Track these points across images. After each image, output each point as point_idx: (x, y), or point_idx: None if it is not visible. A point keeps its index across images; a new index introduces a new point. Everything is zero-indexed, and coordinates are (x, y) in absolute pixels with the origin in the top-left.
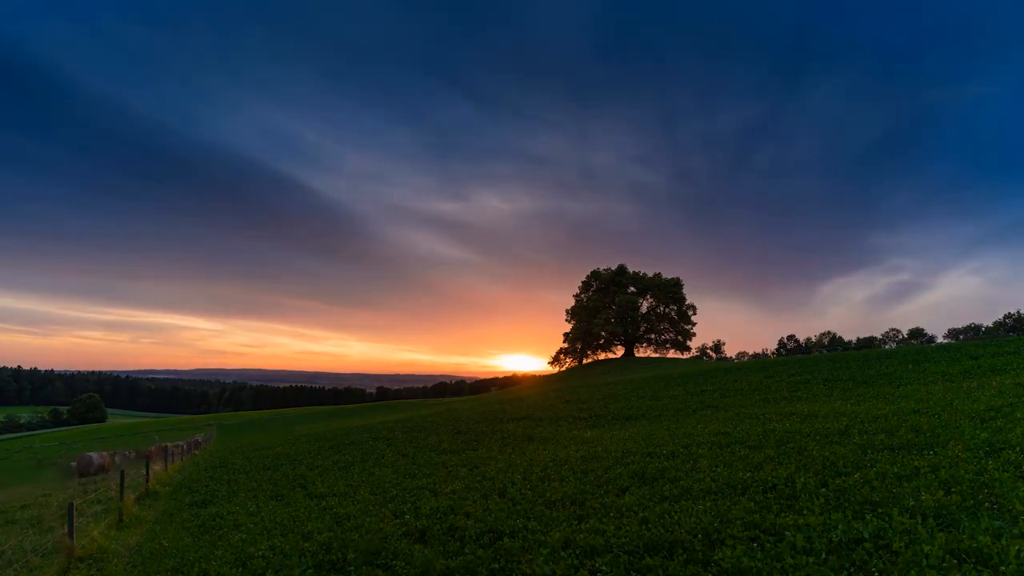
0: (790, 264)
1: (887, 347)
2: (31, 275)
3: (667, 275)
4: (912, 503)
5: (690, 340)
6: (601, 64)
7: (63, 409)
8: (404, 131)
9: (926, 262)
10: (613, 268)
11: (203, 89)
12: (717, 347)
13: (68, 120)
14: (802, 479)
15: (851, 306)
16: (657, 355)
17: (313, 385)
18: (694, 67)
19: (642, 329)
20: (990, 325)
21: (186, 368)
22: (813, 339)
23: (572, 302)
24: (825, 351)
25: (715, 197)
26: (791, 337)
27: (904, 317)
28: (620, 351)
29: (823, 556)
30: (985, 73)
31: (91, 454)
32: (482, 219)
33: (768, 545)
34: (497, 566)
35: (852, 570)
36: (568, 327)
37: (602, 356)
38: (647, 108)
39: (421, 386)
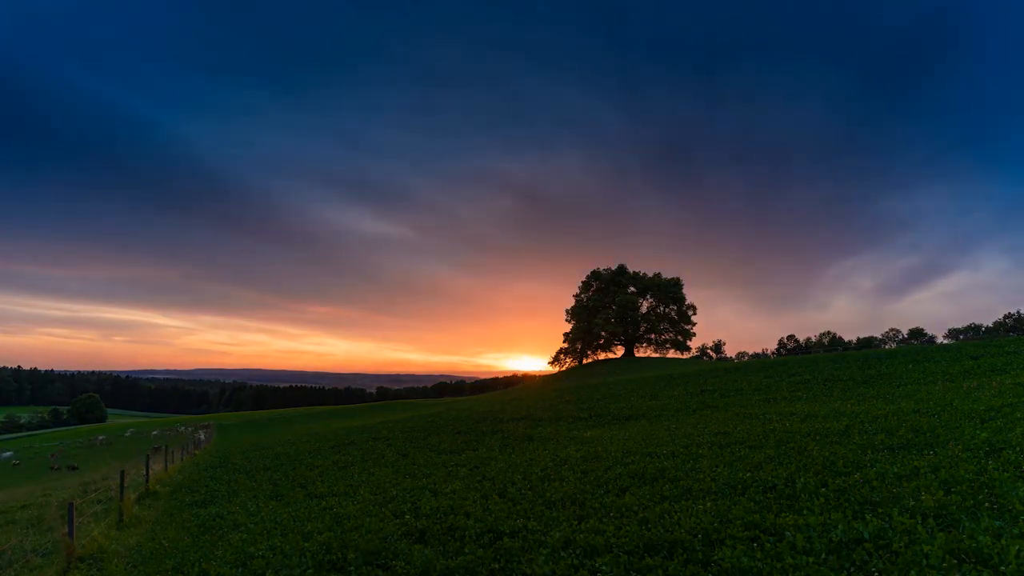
0: (786, 242)
1: (887, 347)
2: None
3: (642, 255)
4: (912, 503)
5: (690, 340)
6: None
7: (63, 409)
8: (242, 39)
9: (947, 237)
10: (613, 268)
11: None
12: (717, 347)
13: None
14: (802, 479)
15: (858, 295)
16: (657, 355)
17: (313, 385)
18: None
19: (642, 329)
20: (990, 325)
21: (186, 368)
22: (813, 339)
23: (543, 293)
24: (825, 351)
25: (686, 142)
26: (791, 337)
27: (919, 308)
28: (620, 351)
29: (823, 556)
30: None
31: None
32: (402, 185)
33: (768, 545)
34: (497, 566)
35: (852, 570)
36: (568, 327)
37: (602, 356)
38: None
39: (421, 386)
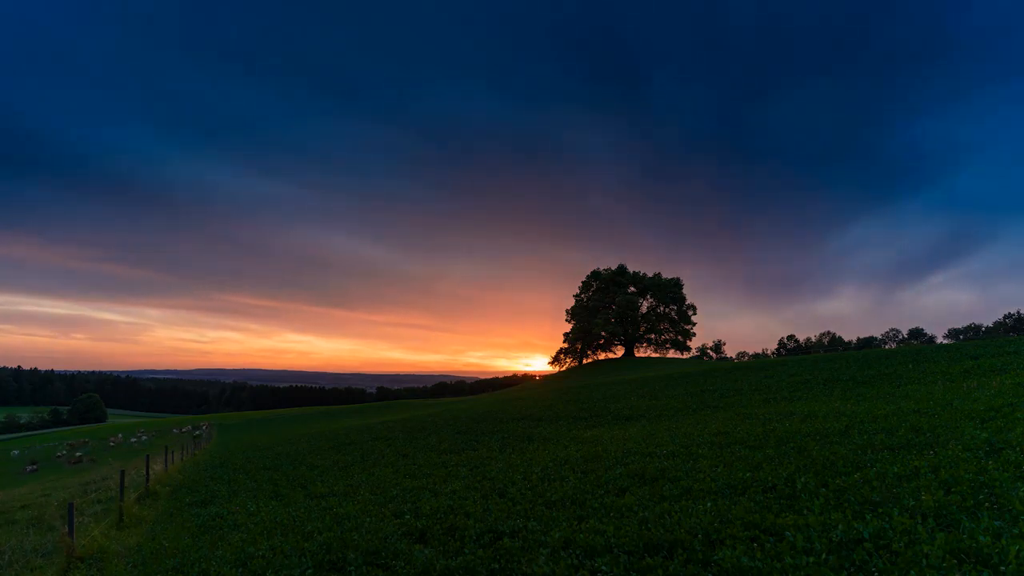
0: (782, 201)
1: (887, 347)
2: None
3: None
4: (912, 503)
5: (690, 340)
6: None
7: (63, 409)
8: None
9: (990, 187)
10: (613, 268)
11: None
12: (717, 347)
13: None
14: (802, 479)
15: (870, 277)
16: (657, 355)
17: (313, 385)
18: None
19: (642, 329)
20: (990, 325)
21: (186, 368)
22: (813, 339)
23: (493, 278)
24: (825, 351)
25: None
26: (791, 337)
27: (940, 298)
28: (620, 351)
29: (823, 556)
30: None
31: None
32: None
33: (768, 545)
34: (497, 566)
35: (852, 570)
36: (568, 327)
37: (602, 356)
38: None
39: (421, 386)
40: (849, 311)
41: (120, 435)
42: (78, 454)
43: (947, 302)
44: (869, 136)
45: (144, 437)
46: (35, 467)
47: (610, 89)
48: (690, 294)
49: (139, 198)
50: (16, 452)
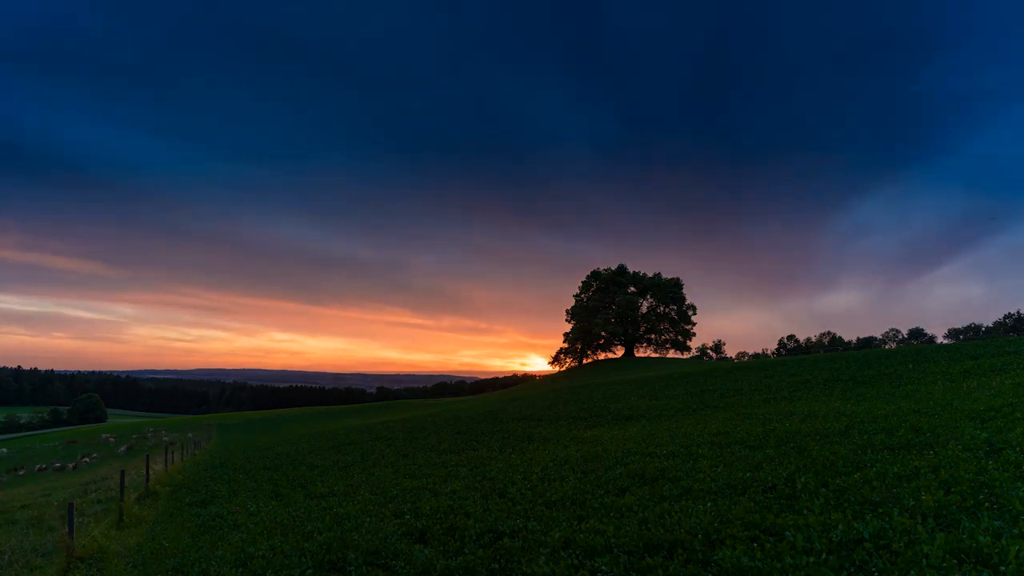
0: (781, 192)
1: (887, 347)
2: None
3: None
4: (912, 503)
5: (690, 340)
6: None
7: (63, 409)
8: None
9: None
10: (613, 268)
11: None
12: (717, 347)
13: None
14: (802, 479)
15: (873, 269)
16: (657, 355)
17: (313, 385)
18: None
19: (642, 329)
20: (990, 325)
21: (186, 368)
22: (813, 339)
23: (487, 276)
24: (825, 351)
25: None
26: (791, 337)
27: (954, 291)
28: (620, 351)
29: (823, 556)
30: None
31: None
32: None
33: (768, 545)
34: (497, 566)
35: (852, 570)
36: (568, 327)
37: (602, 356)
38: None
39: (421, 386)
40: (852, 305)
41: (114, 436)
42: (79, 458)
43: (956, 296)
44: (869, 90)
45: (155, 435)
46: (39, 468)
47: (590, 69)
48: (688, 290)
49: (86, 186)
50: (4, 451)
